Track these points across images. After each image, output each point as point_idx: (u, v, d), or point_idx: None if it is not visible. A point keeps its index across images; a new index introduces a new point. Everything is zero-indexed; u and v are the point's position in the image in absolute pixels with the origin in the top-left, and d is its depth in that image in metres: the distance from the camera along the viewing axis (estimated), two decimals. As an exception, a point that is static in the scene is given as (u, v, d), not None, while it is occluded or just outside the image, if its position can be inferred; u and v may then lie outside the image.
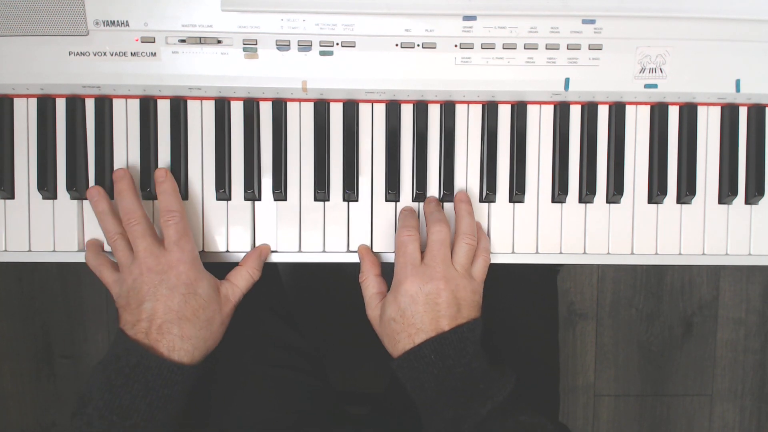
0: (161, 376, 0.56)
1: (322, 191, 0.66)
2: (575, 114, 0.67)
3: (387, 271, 0.66)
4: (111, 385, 0.55)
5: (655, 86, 0.64)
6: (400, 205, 0.67)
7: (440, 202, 0.67)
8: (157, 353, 0.57)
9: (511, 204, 0.67)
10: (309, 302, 1.33)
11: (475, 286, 0.62)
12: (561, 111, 0.66)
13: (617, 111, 0.67)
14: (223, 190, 0.65)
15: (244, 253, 0.66)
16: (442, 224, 0.61)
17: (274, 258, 0.66)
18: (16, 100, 0.65)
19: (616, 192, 0.67)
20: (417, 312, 0.59)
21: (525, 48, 0.62)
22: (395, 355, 0.61)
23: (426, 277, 0.59)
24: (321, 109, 0.66)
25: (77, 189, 0.64)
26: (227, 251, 0.66)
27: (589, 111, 0.67)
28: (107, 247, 0.65)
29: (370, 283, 0.64)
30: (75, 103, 0.65)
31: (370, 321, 0.64)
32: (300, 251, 0.66)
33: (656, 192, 0.66)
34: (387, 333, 0.61)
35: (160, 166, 0.65)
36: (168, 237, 0.60)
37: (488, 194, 0.66)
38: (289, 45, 0.62)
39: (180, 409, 0.59)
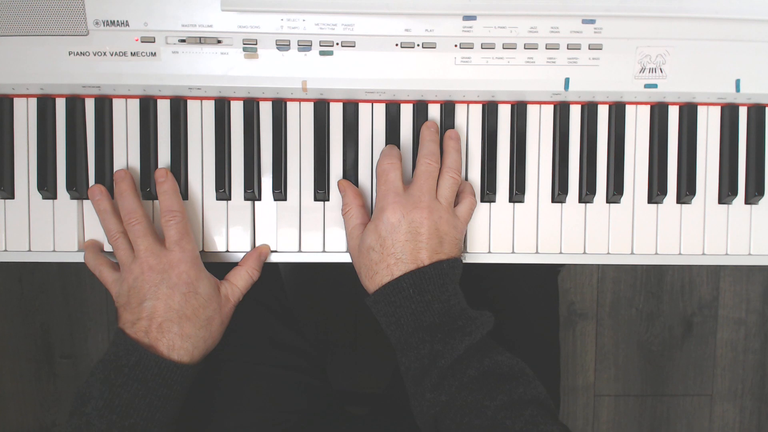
0: (161, 376, 0.56)
1: (322, 191, 0.66)
2: (575, 114, 0.67)
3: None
4: (111, 384, 0.55)
5: (655, 86, 0.64)
6: (400, 205, 0.67)
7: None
8: (157, 352, 0.57)
9: (511, 204, 0.67)
10: (309, 302, 1.33)
11: (457, 223, 0.61)
12: (561, 111, 0.66)
13: (617, 111, 0.67)
14: (223, 190, 0.65)
15: (244, 253, 0.66)
16: (434, 158, 0.61)
17: (274, 258, 0.66)
18: (16, 100, 0.65)
19: (616, 192, 0.67)
20: (398, 241, 0.58)
21: (525, 48, 0.62)
22: (372, 289, 0.59)
23: (409, 206, 0.58)
24: (321, 109, 0.66)
25: (77, 189, 0.64)
26: (227, 251, 0.66)
27: (589, 111, 0.67)
28: (107, 248, 0.65)
29: (353, 214, 0.63)
30: (75, 103, 0.65)
31: (350, 253, 0.63)
32: (300, 251, 0.66)
33: (656, 192, 0.66)
34: (365, 263, 0.60)
35: (160, 166, 0.65)
36: (169, 237, 0.60)
37: (488, 194, 0.66)
38: (289, 45, 0.62)
39: (179, 408, 0.59)
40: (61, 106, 0.65)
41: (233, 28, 0.61)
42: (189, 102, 0.66)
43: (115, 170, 0.65)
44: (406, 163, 0.66)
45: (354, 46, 0.62)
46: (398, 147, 0.65)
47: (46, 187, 0.64)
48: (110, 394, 0.55)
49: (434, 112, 0.66)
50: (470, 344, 0.55)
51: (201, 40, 0.61)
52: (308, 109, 0.66)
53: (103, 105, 0.65)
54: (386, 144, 0.66)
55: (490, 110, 0.66)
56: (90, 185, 0.65)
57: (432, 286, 0.57)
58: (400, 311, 0.57)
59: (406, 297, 0.57)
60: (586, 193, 0.66)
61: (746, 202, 0.68)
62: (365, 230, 0.61)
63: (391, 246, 0.58)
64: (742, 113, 0.67)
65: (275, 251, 0.66)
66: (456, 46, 0.62)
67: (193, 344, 0.59)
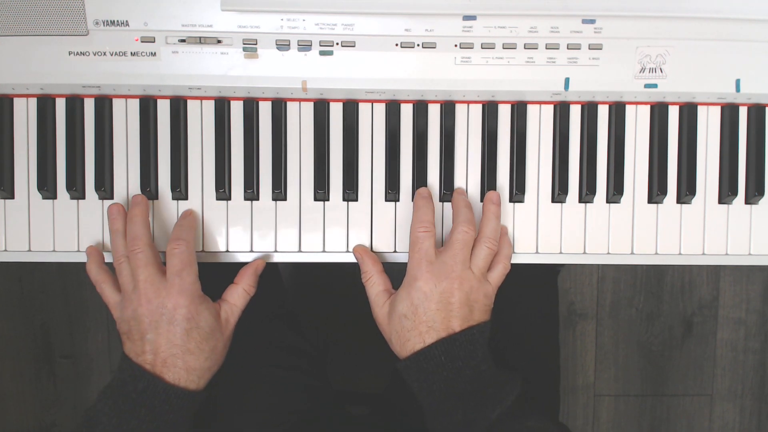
0: (168, 402, 0.56)
1: (321, 191, 0.66)
2: (575, 114, 0.67)
3: (388, 272, 0.65)
4: (118, 410, 0.55)
5: (655, 86, 0.64)
6: (400, 205, 0.67)
7: (441, 202, 0.66)
8: (164, 381, 0.57)
9: (512, 204, 0.67)
10: (310, 302, 1.33)
11: (488, 290, 0.61)
12: (561, 111, 0.66)
13: (617, 111, 0.67)
14: (222, 190, 0.65)
15: (244, 253, 0.66)
16: (470, 225, 0.60)
17: (275, 258, 0.66)
18: (16, 100, 0.65)
19: (616, 192, 0.67)
20: (429, 309, 0.58)
21: (525, 48, 0.62)
22: (403, 356, 0.60)
23: (441, 275, 0.59)
24: (321, 108, 0.66)
25: (77, 189, 0.64)
26: (227, 251, 0.66)
27: (589, 111, 0.67)
28: (108, 257, 0.65)
29: (375, 281, 0.63)
30: (75, 103, 0.65)
31: (377, 320, 0.63)
32: (300, 251, 0.66)
33: (656, 192, 0.66)
34: (396, 330, 0.60)
35: (160, 165, 0.65)
36: (171, 266, 0.59)
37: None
38: (289, 45, 0.62)
39: (185, 431, 0.59)
40: (61, 106, 0.65)
41: (233, 28, 0.61)
42: (189, 102, 0.66)
43: (115, 171, 0.65)
44: (405, 164, 0.67)
45: (354, 46, 0.62)
46: (431, 198, 0.64)
47: (46, 187, 0.64)
48: (118, 420, 0.55)
49: (434, 111, 0.66)
50: (501, 411, 0.56)
51: (201, 40, 0.61)
52: (308, 109, 0.66)
53: (103, 105, 0.65)
54: (386, 143, 0.66)
55: (490, 110, 0.66)
56: (89, 185, 0.65)
57: (463, 352, 0.58)
58: (431, 378, 0.58)
59: (438, 364, 0.57)
60: (586, 193, 0.66)
61: (746, 202, 0.68)
62: (397, 297, 0.61)
63: (423, 314, 0.58)
64: (742, 113, 0.67)
65: (275, 251, 0.66)
66: (456, 46, 0.62)
67: (199, 375, 0.58)
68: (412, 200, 0.66)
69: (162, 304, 0.58)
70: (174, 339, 0.57)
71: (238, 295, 0.63)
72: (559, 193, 0.66)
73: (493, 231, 0.62)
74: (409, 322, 0.59)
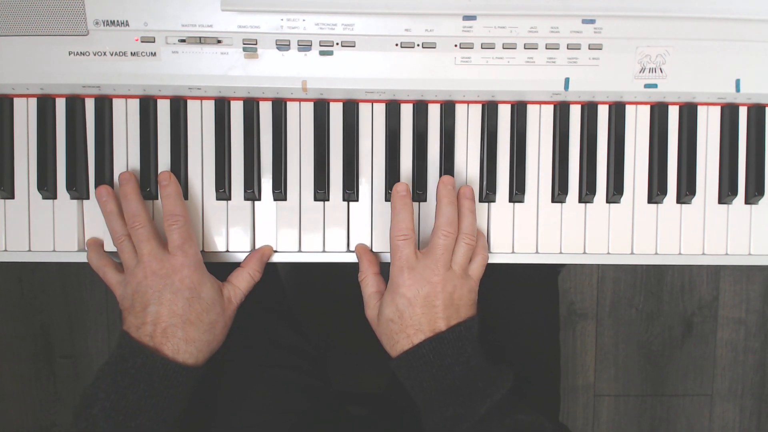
0: (167, 377, 0.56)
1: (322, 191, 0.66)
2: (575, 114, 0.67)
3: (387, 270, 0.66)
4: (117, 386, 0.56)
5: (655, 86, 0.64)
6: (400, 205, 0.67)
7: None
8: (162, 355, 0.57)
9: (511, 204, 0.67)
10: (310, 302, 1.33)
11: (471, 285, 0.62)
12: (561, 111, 0.66)
13: (617, 111, 0.67)
14: (223, 190, 0.65)
15: (244, 253, 0.66)
16: (452, 227, 0.60)
17: (275, 258, 0.66)
18: (16, 100, 0.65)
19: (616, 192, 0.67)
20: (415, 314, 0.59)
21: (525, 48, 0.62)
22: (394, 355, 0.61)
23: (423, 280, 0.59)
24: (321, 108, 0.66)
25: (77, 189, 0.64)
26: (227, 251, 0.66)
27: (589, 111, 0.67)
28: (108, 246, 0.65)
29: (369, 282, 0.64)
30: (75, 103, 0.65)
31: (369, 320, 0.64)
32: (300, 251, 0.66)
33: (656, 192, 0.66)
34: (385, 333, 0.61)
35: (160, 165, 0.65)
36: (172, 241, 0.60)
37: (488, 194, 0.66)
38: (289, 45, 0.62)
39: (183, 408, 0.59)
40: (61, 106, 0.65)
41: (233, 28, 0.61)
42: (189, 102, 0.66)
43: (115, 170, 0.65)
44: (405, 164, 0.66)
45: (354, 46, 0.62)
46: (409, 196, 0.62)
47: (46, 187, 0.64)
48: (117, 395, 0.55)
49: (434, 111, 0.66)
50: (491, 405, 0.56)
51: (201, 40, 0.61)
52: (308, 109, 0.66)
53: (103, 105, 0.65)
54: (386, 143, 0.66)
55: (490, 110, 0.66)
56: (90, 185, 0.65)
57: (451, 350, 0.58)
58: (421, 375, 0.58)
59: (427, 362, 0.58)
60: (586, 193, 0.66)
61: (746, 202, 0.68)
62: (383, 303, 0.62)
63: (409, 318, 0.59)
64: (742, 113, 0.67)
65: (275, 251, 0.66)
66: (456, 46, 0.62)
67: (198, 348, 0.59)
68: (413, 201, 0.66)
69: (167, 275, 0.59)
70: (176, 308, 0.58)
71: (243, 279, 0.64)
72: (559, 193, 0.66)
73: (469, 227, 0.62)
74: (395, 325, 0.60)
